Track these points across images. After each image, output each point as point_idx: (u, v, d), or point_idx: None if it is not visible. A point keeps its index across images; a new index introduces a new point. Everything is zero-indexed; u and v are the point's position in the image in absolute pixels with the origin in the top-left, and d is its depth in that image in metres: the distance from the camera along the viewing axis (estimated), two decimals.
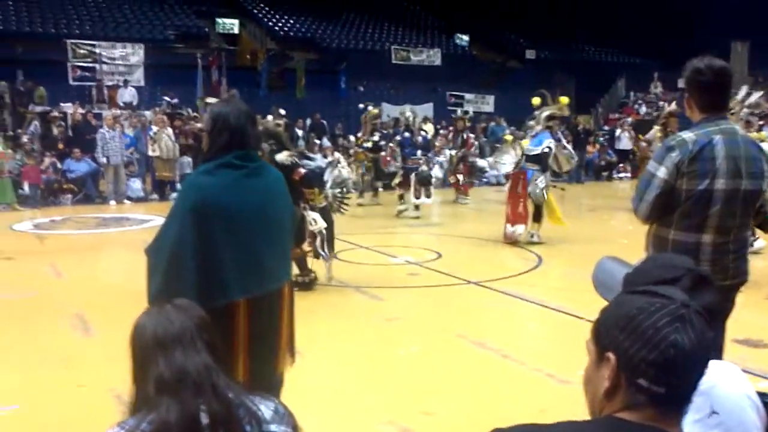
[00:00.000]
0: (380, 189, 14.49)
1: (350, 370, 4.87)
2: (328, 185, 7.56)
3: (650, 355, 1.21)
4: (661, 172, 3.00)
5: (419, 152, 12.96)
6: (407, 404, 4.21)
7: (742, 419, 1.61)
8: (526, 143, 9.66)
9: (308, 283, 6.83)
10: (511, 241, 9.35)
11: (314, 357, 4.58)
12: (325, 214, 7.06)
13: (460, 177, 14.46)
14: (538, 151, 9.27)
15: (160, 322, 1.76)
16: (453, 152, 14.76)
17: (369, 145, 14.29)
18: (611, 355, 1.26)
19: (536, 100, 9.90)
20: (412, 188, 12.38)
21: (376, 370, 4.85)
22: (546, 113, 9.45)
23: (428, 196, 12.42)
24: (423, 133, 14.78)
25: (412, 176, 12.45)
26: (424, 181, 12.39)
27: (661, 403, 1.24)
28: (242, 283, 2.75)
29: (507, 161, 9.83)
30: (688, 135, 3.02)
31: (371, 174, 14.52)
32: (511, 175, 9.66)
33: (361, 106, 15.31)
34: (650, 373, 1.22)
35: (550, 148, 9.33)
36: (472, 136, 15.53)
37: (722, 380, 1.64)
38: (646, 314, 1.24)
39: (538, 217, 9.40)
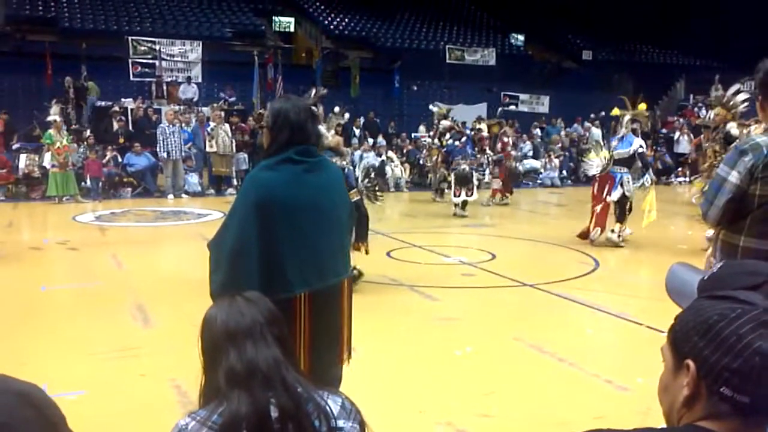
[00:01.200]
0: (446, 190, 14.61)
1: (406, 368, 4.87)
2: (359, 179, 7.60)
3: (733, 363, 1.17)
4: (733, 177, 2.90)
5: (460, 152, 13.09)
6: (464, 405, 4.19)
7: None
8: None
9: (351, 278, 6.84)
10: (590, 241, 9.49)
11: (370, 354, 4.60)
12: (357, 209, 7.14)
13: (496, 181, 14.46)
14: (626, 153, 9.30)
15: (231, 315, 1.78)
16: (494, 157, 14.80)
17: (438, 143, 14.61)
18: (691, 363, 1.22)
19: (616, 112, 10.02)
20: (452, 187, 12.57)
21: (432, 370, 4.83)
22: (628, 117, 9.46)
23: (469, 194, 12.45)
24: (469, 132, 14.81)
25: (452, 175, 12.61)
26: (464, 180, 12.41)
27: (745, 412, 1.20)
28: (303, 276, 2.78)
29: (595, 163, 9.79)
30: (762, 138, 2.92)
31: (439, 172, 14.77)
32: (598, 177, 9.66)
33: (434, 108, 15.53)
34: (734, 382, 1.18)
35: (642, 146, 9.47)
36: (507, 140, 15.36)
37: None
38: (728, 321, 1.20)
39: (621, 217, 9.38)
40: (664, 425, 1.33)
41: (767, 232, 2.91)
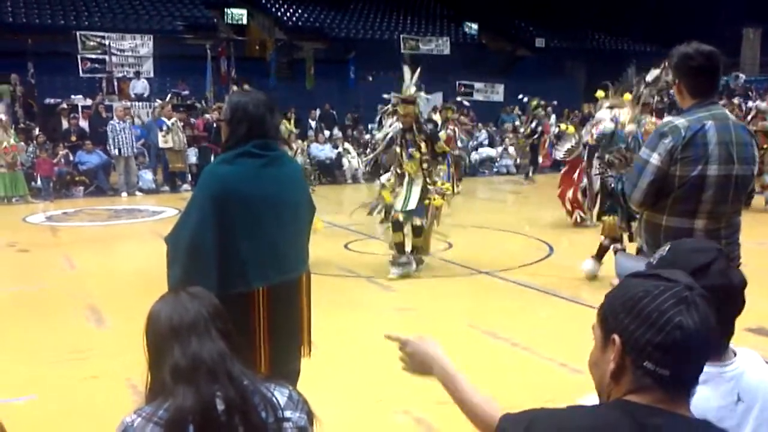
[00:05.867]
0: (531, 174, 16.19)
1: (363, 360, 4.88)
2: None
3: (656, 337, 1.24)
4: (655, 159, 2.99)
5: None
6: (421, 394, 4.21)
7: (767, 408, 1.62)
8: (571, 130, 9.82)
9: None
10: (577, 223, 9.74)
11: (327, 347, 4.58)
12: None
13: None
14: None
15: (176, 310, 1.77)
16: None
17: (527, 132, 15.94)
18: (617, 338, 1.28)
19: (600, 93, 10.06)
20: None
21: (389, 360, 4.82)
22: (606, 104, 9.52)
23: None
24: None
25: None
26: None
27: (667, 385, 1.26)
28: (261, 270, 2.77)
29: (563, 147, 9.87)
30: (680, 121, 3.02)
31: (527, 158, 16.35)
32: (568, 161, 9.78)
33: (525, 99, 16.75)
34: (656, 356, 1.24)
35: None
36: (451, 129, 15.51)
37: (750, 369, 1.65)
38: (651, 297, 1.26)
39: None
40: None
41: (687, 212, 3.02)
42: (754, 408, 1.59)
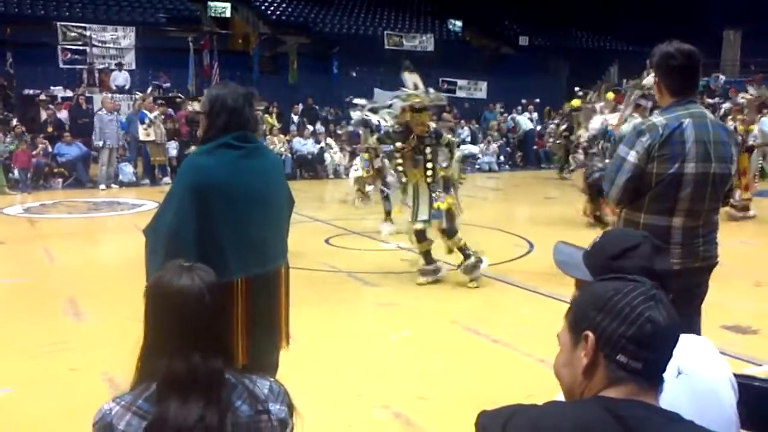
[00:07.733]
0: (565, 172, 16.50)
1: (344, 354, 4.89)
2: None
3: (628, 330, 1.29)
4: (632, 157, 3.02)
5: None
6: (401, 389, 4.24)
7: (709, 382, 1.68)
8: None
9: None
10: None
11: (307, 341, 4.59)
12: None
13: None
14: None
15: (183, 279, 1.72)
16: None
17: (559, 131, 16.30)
18: (590, 333, 1.32)
19: (576, 102, 10.15)
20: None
21: (369, 355, 4.87)
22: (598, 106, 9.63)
23: None
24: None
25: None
26: None
27: (640, 377, 1.31)
28: (242, 261, 2.77)
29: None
30: (658, 119, 3.05)
31: (559, 156, 16.72)
32: None
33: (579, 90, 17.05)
34: (629, 349, 1.30)
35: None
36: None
37: (690, 346, 1.71)
38: (622, 294, 1.32)
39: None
40: None
41: (665, 209, 3.05)
42: (693, 381, 1.64)
